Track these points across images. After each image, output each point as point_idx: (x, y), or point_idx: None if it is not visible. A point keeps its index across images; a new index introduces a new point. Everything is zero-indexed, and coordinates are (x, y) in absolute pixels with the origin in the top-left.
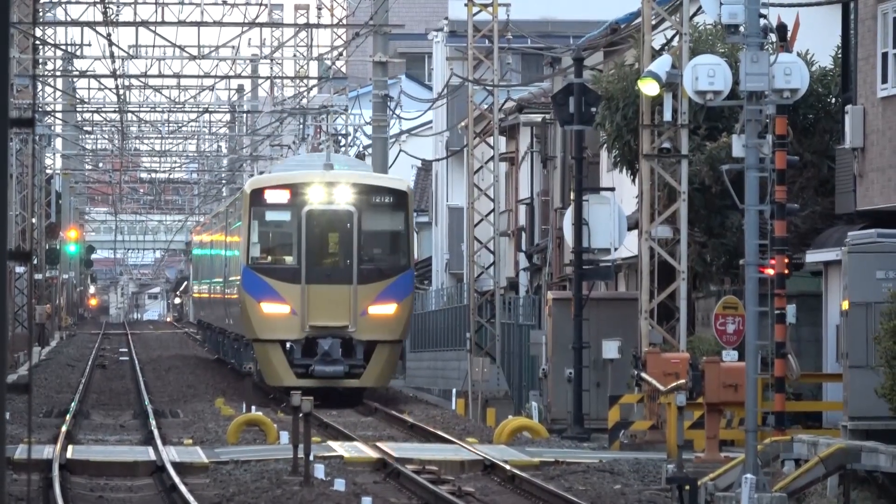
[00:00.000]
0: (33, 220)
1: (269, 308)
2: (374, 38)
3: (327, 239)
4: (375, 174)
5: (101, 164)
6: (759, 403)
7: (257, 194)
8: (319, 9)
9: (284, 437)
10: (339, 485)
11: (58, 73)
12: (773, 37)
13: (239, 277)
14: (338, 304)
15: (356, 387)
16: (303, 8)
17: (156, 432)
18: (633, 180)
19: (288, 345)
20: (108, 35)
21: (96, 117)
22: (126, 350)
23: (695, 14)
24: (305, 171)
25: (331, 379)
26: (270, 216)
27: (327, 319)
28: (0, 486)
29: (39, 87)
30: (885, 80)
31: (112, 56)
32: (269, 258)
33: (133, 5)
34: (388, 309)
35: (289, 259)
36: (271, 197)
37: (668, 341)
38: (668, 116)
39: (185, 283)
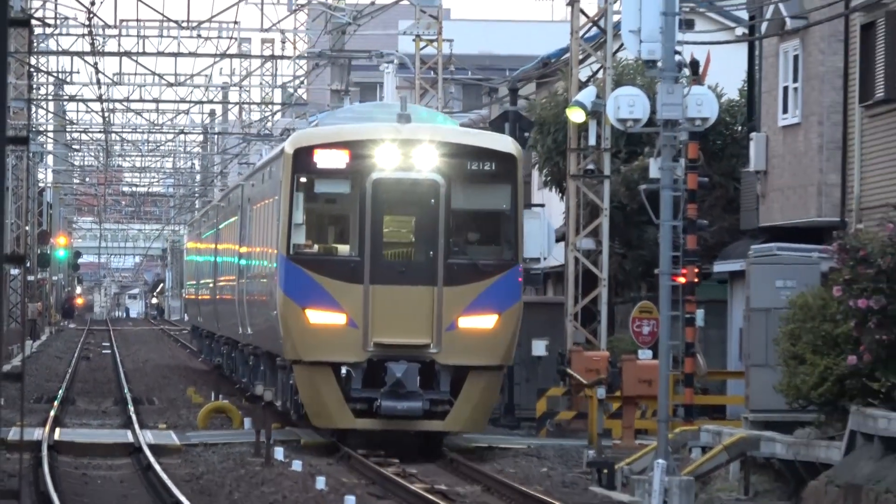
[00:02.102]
0: (27, 228)
1: (318, 317)
2: (331, 69)
3: (402, 221)
4: (471, 130)
5: (87, 179)
6: (671, 397)
7: (303, 156)
8: (283, 42)
9: (248, 423)
10: (297, 465)
11: (50, 98)
12: (686, 71)
13: (272, 272)
14: (415, 313)
15: (439, 431)
16: (268, 41)
17: (134, 418)
18: (562, 197)
19: (343, 370)
20: (95, 63)
21: (84, 137)
22: (108, 344)
23: (617, 50)
24: (371, 124)
25: (404, 420)
26: (321, 187)
27: (400, 335)
28: None
29: (33, 109)
30: (785, 111)
31: (98, 82)
32: (318, 247)
33: (117, 37)
34: (485, 321)
35: (346, 248)
36: (323, 159)
37: (590, 341)
38: (592, 141)
39: (161, 284)
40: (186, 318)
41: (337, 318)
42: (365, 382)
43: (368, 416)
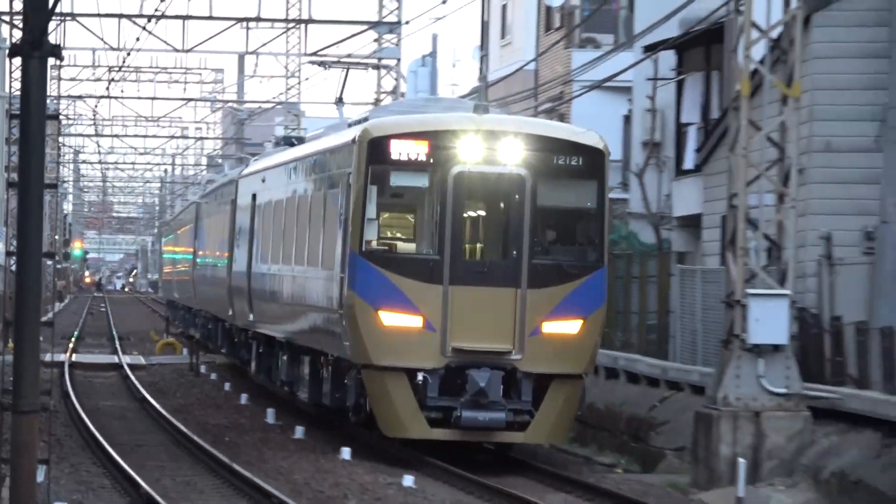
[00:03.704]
0: (56, 237)
1: (393, 319)
2: (235, 145)
3: (484, 217)
4: (557, 123)
5: (92, 209)
6: None
7: (378, 146)
8: (207, 127)
9: (185, 351)
10: (214, 377)
11: (70, 161)
12: None
13: (338, 269)
14: (496, 316)
15: (519, 443)
16: (199, 127)
17: (118, 348)
18: None
19: (419, 376)
20: (97, 141)
21: (90, 184)
22: (104, 306)
23: None
24: (452, 114)
25: (485, 431)
26: (398, 179)
27: (481, 340)
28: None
29: (60, 168)
30: None
31: (99, 152)
32: (391, 244)
33: (111, 125)
34: (570, 326)
35: (423, 247)
36: (400, 150)
37: None
38: None
39: (135, 270)
40: (161, 293)
41: (413, 321)
42: (442, 390)
43: (446, 426)
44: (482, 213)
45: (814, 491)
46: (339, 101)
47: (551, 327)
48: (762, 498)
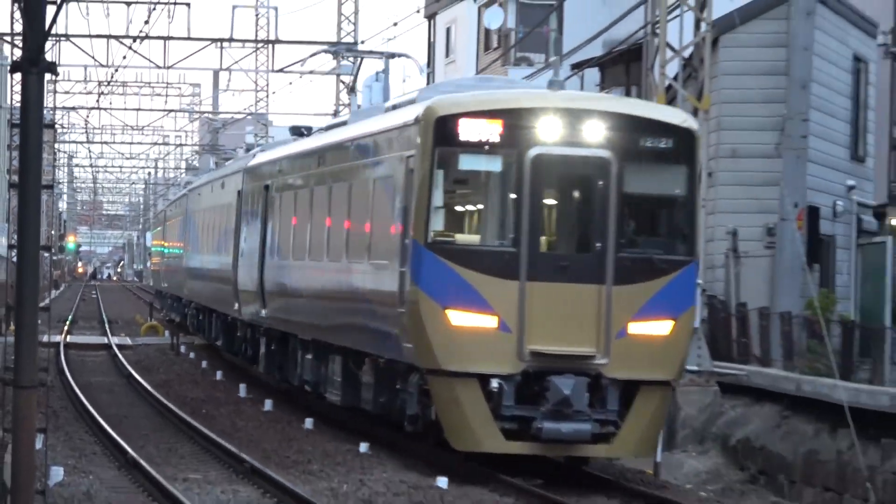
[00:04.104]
0: (52, 232)
1: (463, 319)
2: (212, 154)
3: (566, 206)
4: (640, 101)
5: (84, 207)
6: None
7: (446, 126)
8: (186, 136)
9: (167, 333)
10: (192, 356)
11: (65, 164)
12: None
13: (397, 263)
14: (579, 316)
15: (603, 458)
16: (179, 135)
17: (107, 330)
18: None
19: (493, 382)
20: (88, 147)
21: (82, 185)
22: (95, 293)
23: None
24: (528, 90)
25: (568, 444)
26: (468, 162)
27: (561, 342)
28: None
29: (55, 170)
30: None
31: (91, 157)
32: (460, 236)
33: (101, 133)
34: (660, 327)
35: (497, 238)
36: (471, 131)
37: None
38: None
39: (122, 261)
40: (151, 283)
41: (486, 321)
42: (518, 398)
43: (522, 438)
44: (565, 200)
45: (722, 456)
46: (352, 91)
47: (639, 328)
48: (677, 462)
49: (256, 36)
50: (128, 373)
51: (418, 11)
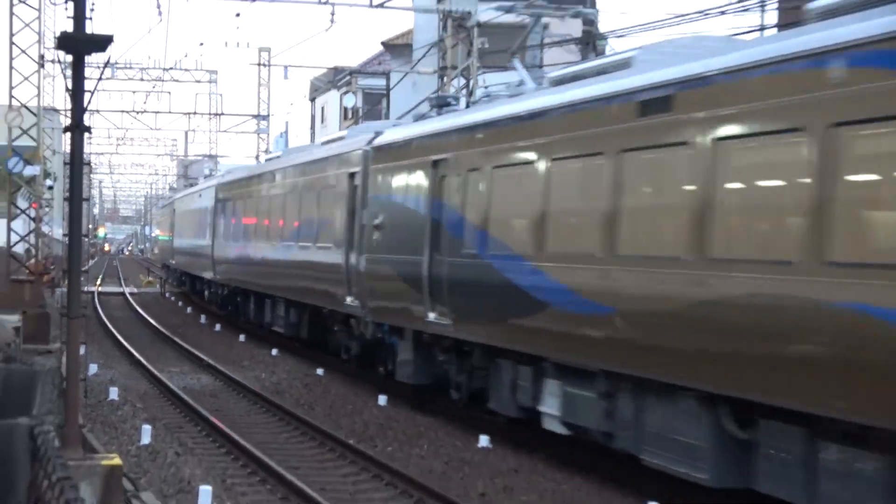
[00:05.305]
0: (89, 226)
1: None
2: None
3: None
4: None
5: (107, 210)
6: None
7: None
8: (163, 174)
9: (159, 285)
10: (173, 299)
11: (96, 186)
12: None
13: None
14: None
15: None
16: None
17: (122, 283)
18: None
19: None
20: (109, 160)
21: (107, 198)
22: (116, 263)
23: None
24: None
25: None
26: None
27: None
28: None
29: (90, 189)
30: None
31: (111, 171)
32: None
33: (116, 143)
34: None
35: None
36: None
37: None
38: None
39: (131, 243)
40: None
41: None
42: None
43: None
44: None
45: None
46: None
47: None
48: None
49: (210, 110)
50: (135, 309)
51: (304, 97)
